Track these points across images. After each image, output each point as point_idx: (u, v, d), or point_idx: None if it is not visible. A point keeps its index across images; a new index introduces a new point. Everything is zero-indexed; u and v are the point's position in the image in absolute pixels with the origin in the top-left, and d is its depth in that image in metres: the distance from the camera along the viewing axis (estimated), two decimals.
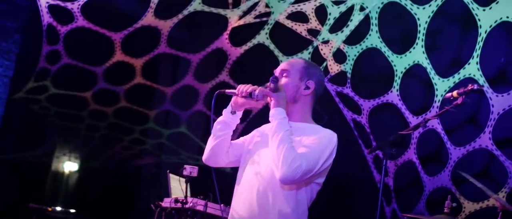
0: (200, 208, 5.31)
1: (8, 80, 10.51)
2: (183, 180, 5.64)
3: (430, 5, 5.90)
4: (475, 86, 2.92)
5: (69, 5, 7.31)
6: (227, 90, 2.94)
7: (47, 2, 7.27)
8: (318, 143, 2.74)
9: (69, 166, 12.55)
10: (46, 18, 7.51)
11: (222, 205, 4.72)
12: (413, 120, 6.33)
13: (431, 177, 6.29)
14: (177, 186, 6.00)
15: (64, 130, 11.63)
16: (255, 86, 2.84)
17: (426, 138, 6.41)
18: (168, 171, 6.23)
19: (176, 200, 5.32)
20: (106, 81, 8.89)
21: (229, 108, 2.97)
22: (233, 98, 2.96)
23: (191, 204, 5.28)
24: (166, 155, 10.92)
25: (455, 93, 3.01)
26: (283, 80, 2.90)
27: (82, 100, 9.33)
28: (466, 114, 6.09)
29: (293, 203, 2.75)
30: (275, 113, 2.80)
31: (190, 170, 5.32)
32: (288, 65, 2.94)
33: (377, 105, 6.78)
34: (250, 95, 2.84)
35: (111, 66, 8.50)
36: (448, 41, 6.39)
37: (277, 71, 2.95)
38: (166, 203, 5.68)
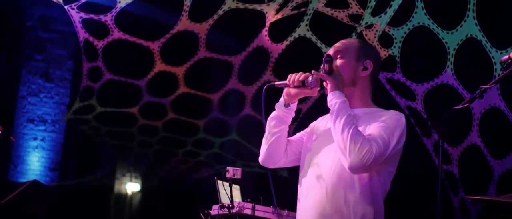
0: (247, 212, 5.02)
1: (65, 107, 10.66)
2: (228, 185, 5.42)
3: None
4: None
5: (102, 17, 7.20)
6: (277, 82, 2.73)
7: (81, 17, 7.17)
8: (386, 125, 2.51)
9: (131, 186, 12.65)
10: (82, 33, 7.43)
11: (275, 208, 4.61)
12: None
13: (499, 160, 5.97)
14: (225, 192, 5.80)
15: (118, 149, 11.73)
16: (307, 73, 2.63)
17: (489, 118, 6.08)
18: (215, 177, 6.02)
19: (222, 206, 5.03)
20: (150, 93, 8.82)
21: (281, 101, 2.74)
22: (284, 90, 2.72)
23: (237, 208, 4.99)
24: (221, 166, 10.77)
25: None
26: (338, 62, 2.67)
27: (130, 116, 9.31)
28: None
29: (368, 197, 2.53)
30: (333, 97, 2.57)
31: (233, 172, 5.03)
32: (342, 46, 2.71)
33: (432, 88, 6.47)
34: (303, 84, 2.64)
35: (153, 78, 8.40)
36: (505, 6, 5.96)
37: (330, 53, 2.70)
38: (214, 210, 5.46)
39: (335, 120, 2.52)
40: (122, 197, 12.78)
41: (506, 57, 2.78)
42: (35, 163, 10.90)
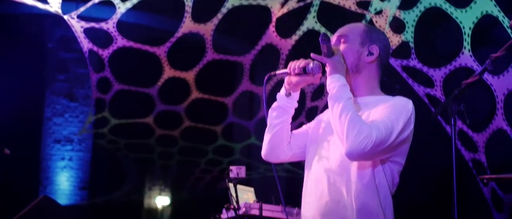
0: (255, 212, 4.80)
1: (91, 125, 10.61)
2: (240, 186, 5.21)
3: None
4: None
5: (104, 25, 7.04)
6: (277, 72, 2.58)
7: (82, 27, 7.02)
8: (390, 111, 2.35)
9: (161, 200, 12.60)
10: (85, 44, 7.28)
11: (284, 206, 4.53)
12: (493, 81, 5.56)
13: None
14: (240, 195, 5.61)
15: (141, 162, 11.69)
16: (308, 59, 2.47)
17: None
18: (226, 180, 5.83)
19: (227, 208, 4.81)
20: (163, 101, 8.67)
21: (282, 90, 2.62)
22: (286, 79, 2.59)
23: (243, 209, 4.76)
24: (247, 172, 10.56)
25: None
26: (341, 47, 2.53)
27: (146, 127, 9.20)
28: None
29: (372, 188, 2.37)
30: (332, 80, 2.42)
31: (237, 171, 4.81)
32: (346, 30, 2.58)
33: (450, 72, 6.10)
34: (304, 71, 2.49)
35: (163, 85, 8.24)
36: None
37: (333, 38, 2.59)
38: (224, 214, 5.25)
39: (333, 105, 2.37)
40: (153, 211, 12.74)
41: None
42: (64, 183, 10.94)
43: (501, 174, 6.24)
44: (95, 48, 7.41)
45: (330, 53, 2.43)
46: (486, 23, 5.63)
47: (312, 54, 2.47)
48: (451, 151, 6.44)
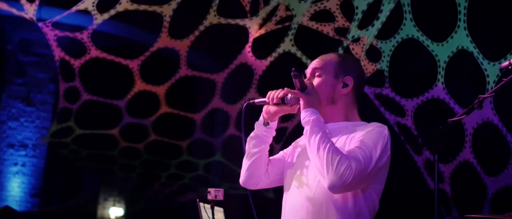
0: None
1: (47, 131, 10.42)
2: (209, 207, 5.17)
3: None
4: None
5: (78, 35, 6.93)
6: (256, 100, 2.59)
7: (56, 35, 6.90)
8: (367, 139, 2.35)
9: (115, 211, 12.41)
10: (57, 52, 7.15)
11: None
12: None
13: (493, 177, 5.78)
14: (208, 215, 5.55)
15: (100, 173, 11.53)
16: (287, 89, 2.49)
17: (483, 133, 5.88)
18: (197, 200, 5.76)
19: None
20: (131, 114, 8.55)
21: (261, 119, 2.62)
22: (264, 108, 2.60)
23: None
24: (206, 188, 10.50)
25: None
26: (316, 80, 2.53)
27: (110, 138, 9.03)
28: None
29: (353, 217, 2.38)
30: (305, 115, 2.43)
31: (215, 193, 4.75)
32: (319, 62, 2.57)
33: (422, 103, 6.27)
34: (282, 101, 2.51)
35: (133, 98, 8.13)
36: (494, 17, 5.78)
37: (308, 71, 2.59)
38: None
39: (310, 139, 2.38)
40: None
41: (506, 63, 2.65)
42: (15, 189, 10.65)
43: (464, 205, 6.40)
44: (67, 58, 7.28)
45: (303, 88, 2.44)
46: (460, 57, 5.78)
47: (286, 89, 2.48)
48: (418, 181, 6.48)
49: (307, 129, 2.39)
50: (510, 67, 2.66)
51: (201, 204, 5.80)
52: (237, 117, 8.23)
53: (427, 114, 6.42)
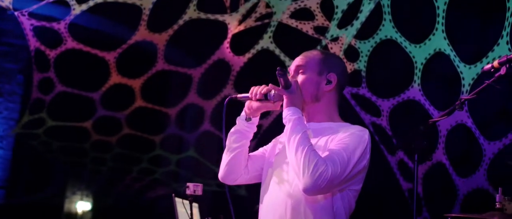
0: None
1: (14, 122, 10.24)
2: (188, 202, 5.12)
3: None
4: None
5: (55, 25, 6.84)
6: (239, 95, 2.63)
7: (32, 25, 6.80)
8: (347, 142, 2.39)
9: (82, 205, 12.28)
10: (33, 42, 7.05)
11: None
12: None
13: (464, 179, 5.80)
14: (184, 211, 5.51)
15: (70, 166, 11.40)
16: (270, 85, 2.51)
17: (456, 135, 5.92)
18: (173, 194, 5.73)
19: None
20: (105, 107, 8.47)
21: (243, 114, 2.65)
22: (247, 103, 2.63)
23: None
24: (178, 183, 10.51)
25: (496, 63, 2.56)
26: (299, 77, 2.56)
27: (82, 131, 8.94)
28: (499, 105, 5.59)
29: (330, 216, 2.43)
30: (287, 113, 2.45)
31: (194, 188, 4.73)
32: (302, 60, 2.59)
33: (398, 103, 6.30)
34: (265, 97, 2.53)
35: (108, 90, 8.07)
36: (472, 21, 5.86)
37: (291, 69, 2.62)
38: None
39: (289, 139, 2.40)
40: (72, 216, 12.38)
41: (489, 66, 2.68)
42: None
43: (434, 206, 6.48)
44: (42, 48, 7.18)
45: (287, 86, 2.47)
46: (437, 59, 5.85)
47: (270, 85, 2.50)
48: (391, 181, 6.56)
49: (287, 128, 2.42)
50: (492, 70, 2.71)
51: (177, 199, 5.77)
52: (212, 113, 8.20)
53: (402, 115, 6.48)
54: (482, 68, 2.87)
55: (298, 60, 2.59)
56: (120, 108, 8.56)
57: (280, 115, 2.55)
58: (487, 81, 2.70)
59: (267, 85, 2.52)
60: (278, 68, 2.45)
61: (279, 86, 2.49)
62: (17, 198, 11.00)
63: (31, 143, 9.69)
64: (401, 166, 6.51)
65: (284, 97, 2.47)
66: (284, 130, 2.43)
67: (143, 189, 11.38)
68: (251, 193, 7.42)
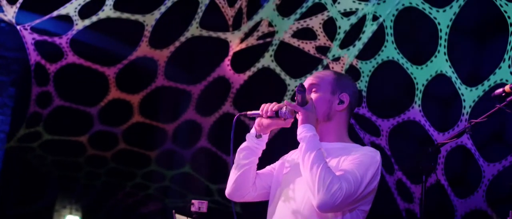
0: None
1: (5, 135, 10.17)
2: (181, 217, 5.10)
3: (451, 7, 5.36)
4: None
5: (57, 40, 6.83)
6: (249, 112, 2.67)
7: (34, 39, 6.79)
8: (359, 163, 2.45)
9: None
10: (33, 56, 7.03)
11: None
12: (439, 137, 5.81)
13: (462, 200, 5.80)
14: None
15: (63, 180, 11.32)
16: (286, 102, 2.59)
17: (455, 156, 5.96)
18: (173, 211, 5.70)
19: None
20: (102, 122, 8.43)
21: (253, 131, 2.67)
22: (257, 120, 2.66)
23: None
24: (170, 199, 10.47)
25: (507, 87, 2.69)
26: (313, 95, 2.62)
27: (78, 145, 8.89)
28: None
29: None
30: (303, 130, 2.50)
31: (199, 205, 4.72)
32: (316, 79, 2.67)
33: (398, 124, 6.31)
34: (276, 114, 2.55)
35: (106, 105, 8.03)
36: (474, 44, 5.92)
37: (305, 85, 2.62)
38: None
39: (304, 155, 2.44)
40: None
41: (500, 90, 2.76)
42: None
43: None
44: (42, 62, 7.16)
45: (304, 103, 2.51)
46: (439, 81, 5.89)
47: (286, 102, 2.55)
48: (388, 200, 6.59)
49: (302, 145, 2.47)
50: (503, 94, 2.77)
51: (178, 216, 5.74)
52: (210, 130, 8.19)
53: (402, 135, 6.51)
54: (493, 92, 2.92)
55: (311, 79, 2.64)
56: (117, 123, 8.52)
57: (281, 131, 2.57)
58: (498, 105, 2.76)
59: (271, 102, 2.54)
60: (299, 84, 2.50)
61: (280, 103, 2.54)
62: (7, 211, 10.92)
63: (25, 156, 9.64)
64: (399, 185, 6.52)
65: (300, 113, 2.50)
66: (299, 147, 2.45)
67: (135, 204, 11.33)
68: (247, 211, 7.39)
